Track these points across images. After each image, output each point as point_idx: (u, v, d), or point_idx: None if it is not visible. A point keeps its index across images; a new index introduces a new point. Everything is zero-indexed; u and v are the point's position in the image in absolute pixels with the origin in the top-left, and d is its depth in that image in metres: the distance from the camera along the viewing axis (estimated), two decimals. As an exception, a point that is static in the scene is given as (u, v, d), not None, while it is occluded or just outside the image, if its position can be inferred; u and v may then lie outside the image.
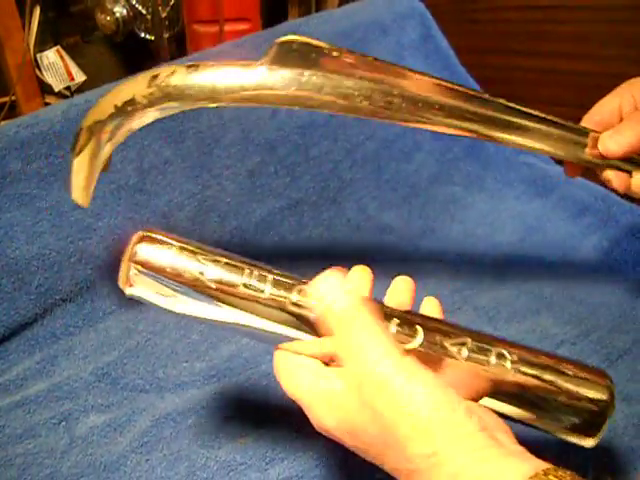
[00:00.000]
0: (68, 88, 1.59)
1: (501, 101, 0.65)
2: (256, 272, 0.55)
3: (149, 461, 0.69)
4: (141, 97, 0.60)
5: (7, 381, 0.79)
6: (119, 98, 0.62)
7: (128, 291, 0.55)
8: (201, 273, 0.54)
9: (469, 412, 0.47)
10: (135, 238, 0.56)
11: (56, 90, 1.56)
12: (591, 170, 0.73)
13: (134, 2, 1.62)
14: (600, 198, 1.04)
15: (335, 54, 0.60)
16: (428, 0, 1.23)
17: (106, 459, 0.69)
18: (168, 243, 0.55)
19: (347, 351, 0.51)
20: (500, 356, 0.55)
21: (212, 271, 0.54)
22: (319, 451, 0.69)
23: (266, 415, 0.73)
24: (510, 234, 1.00)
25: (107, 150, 0.64)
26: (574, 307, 0.87)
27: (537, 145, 0.68)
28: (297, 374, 0.54)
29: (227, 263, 0.55)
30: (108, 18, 1.60)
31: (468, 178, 1.12)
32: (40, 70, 1.53)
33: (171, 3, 1.61)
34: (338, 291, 0.53)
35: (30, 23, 1.48)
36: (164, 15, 1.61)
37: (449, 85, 0.63)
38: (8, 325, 0.82)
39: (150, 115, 0.62)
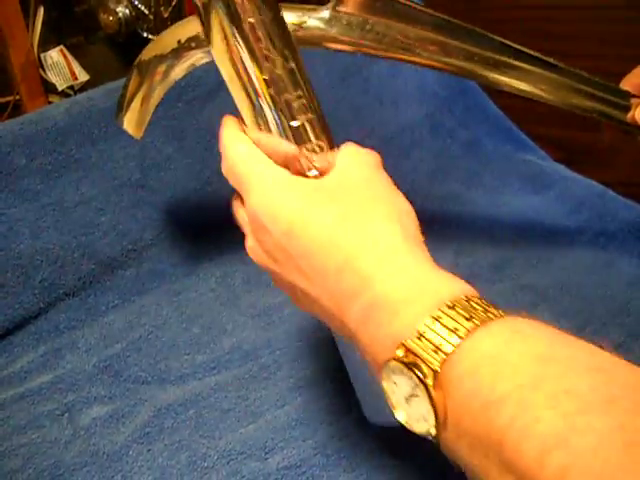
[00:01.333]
0: (71, 87, 1.59)
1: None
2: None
3: (150, 451, 0.70)
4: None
5: (11, 373, 0.80)
6: (183, 34, 0.62)
7: None
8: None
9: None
10: None
11: (59, 89, 1.56)
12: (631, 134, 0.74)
13: (136, 2, 1.63)
14: (596, 194, 1.05)
15: (400, 3, 0.60)
16: (425, 2, 1.25)
17: (109, 449, 0.70)
18: None
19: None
20: None
21: None
22: (318, 440, 0.70)
23: (265, 405, 0.74)
24: (507, 229, 1.01)
25: (163, 86, 0.64)
26: (569, 301, 0.88)
27: (587, 104, 0.69)
28: (252, 154, 0.54)
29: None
30: (111, 18, 1.61)
31: (466, 175, 1.12)
32: (44, 69, 1.54)
33: (173, 3, 1.62)
34: None
35: (34, 23, 1.49)
36: (166, 15, 1.62)
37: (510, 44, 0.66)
38: (12, 319, 0.83)
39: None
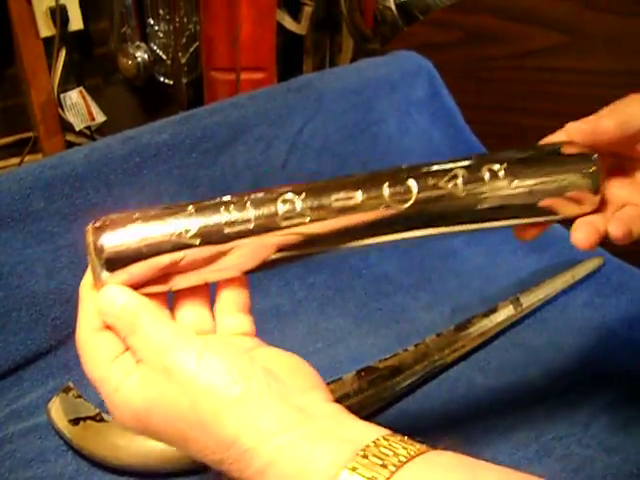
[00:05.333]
0: (88, 128, 1.63)
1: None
2: (233, 202, 0.50)
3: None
4: None
5: (21, 407, 0.81)
6: None
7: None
8: (180, 234, 0.49)
9: (268, 379, 0.46)
10: (91, 230, 0.50)
11: (77, 129, 1.60)
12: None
13: (155, 48, 1.67)
14: (594, 254, 1.07)
15: None
16: (437, 58, 1.27)
17: (111, 484, 0.71)
18: (128, 220, 0.49)
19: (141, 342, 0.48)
20: (492, 172, 0.55)
21: (193, 223, 0.49)
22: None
23: None
24: (504, 288, 1.03)
25: None
26: (560, 362, 0.90)
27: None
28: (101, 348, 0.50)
29: (198, 209, 0.50)
30: (130, 62, 1.65)
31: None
32: (63, 109, 1.58)
33: (190, 50, 1.66)
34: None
35: (56, 64, 1.53)
36: (183, 61, 1.66)
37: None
38: (24, 354, 0.85)
39: None
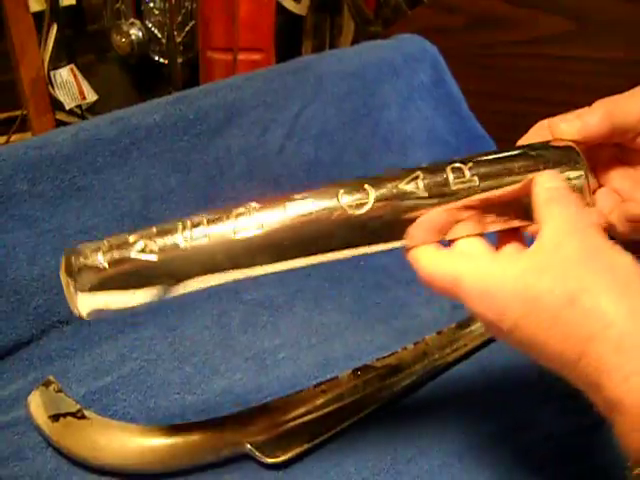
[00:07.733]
0: (79, 107, 1.60)
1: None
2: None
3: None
4: None
5: (0, 400, 0.78)
6: None
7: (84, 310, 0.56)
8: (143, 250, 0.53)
9: None
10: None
11: (67, 108, 1.57)
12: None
13: (150, 25, 1.63)
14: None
15: None
16: (441, 43, 1.25)
17: (91, 486, 0.68)
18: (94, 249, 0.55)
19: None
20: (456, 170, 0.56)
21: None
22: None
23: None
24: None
25: None
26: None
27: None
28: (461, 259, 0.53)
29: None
30: (123, 40, 1.61)
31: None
32: (53, 87, 1.55)
33: (187, 29, 1.63)
34: None
35: (46, 40, 1.49)
36: (179, 40, 1.63)
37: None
38: (4, 344, 0.82)
39: None
